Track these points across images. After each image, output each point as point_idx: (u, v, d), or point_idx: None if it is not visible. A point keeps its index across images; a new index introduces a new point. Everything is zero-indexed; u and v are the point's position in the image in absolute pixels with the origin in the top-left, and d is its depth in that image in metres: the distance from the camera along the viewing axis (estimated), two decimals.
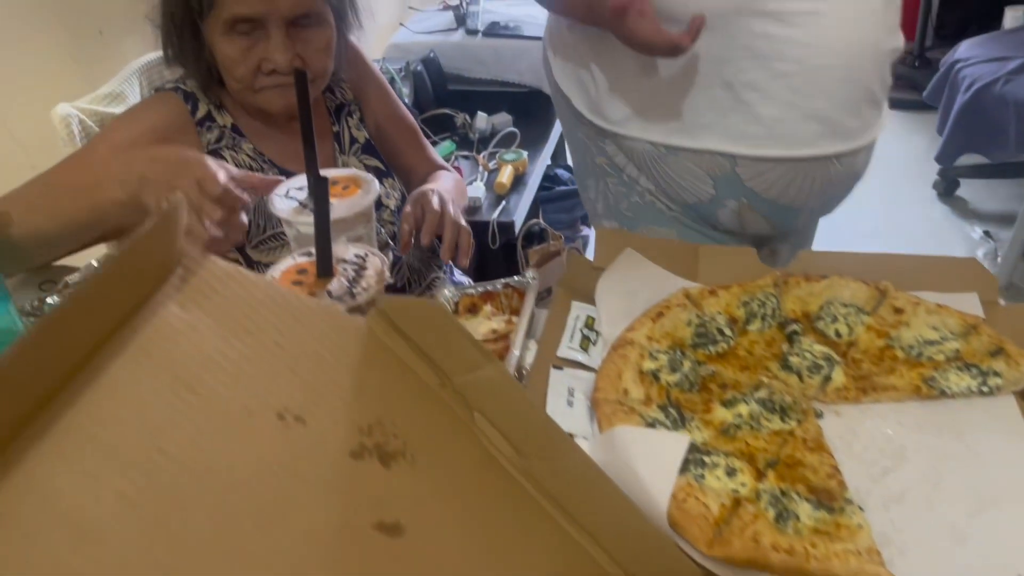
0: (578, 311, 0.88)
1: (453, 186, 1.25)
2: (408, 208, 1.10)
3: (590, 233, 2.63)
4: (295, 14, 1.04)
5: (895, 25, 1.11)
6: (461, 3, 2.41)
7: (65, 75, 1.29)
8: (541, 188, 2.30)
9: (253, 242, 1.12)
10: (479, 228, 1.83)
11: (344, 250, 0.74)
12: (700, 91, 1.08)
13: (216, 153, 1.10)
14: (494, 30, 2.31)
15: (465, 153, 2.11)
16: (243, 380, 0.43)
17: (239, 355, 0.43)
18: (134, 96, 1.21)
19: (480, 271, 1.90)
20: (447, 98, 2.25)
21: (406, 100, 2.07)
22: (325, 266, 0.69)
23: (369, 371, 0.48)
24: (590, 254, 0.92)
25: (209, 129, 1.11)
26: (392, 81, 2.06)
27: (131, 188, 0.84)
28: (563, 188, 2.49)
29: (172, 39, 1.09)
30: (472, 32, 2.32)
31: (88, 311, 0.38)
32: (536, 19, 2.38)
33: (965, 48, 2.82)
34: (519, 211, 1.91)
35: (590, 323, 0.86)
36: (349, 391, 0.47)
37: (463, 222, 1.08)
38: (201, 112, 1.11)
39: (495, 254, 1.90)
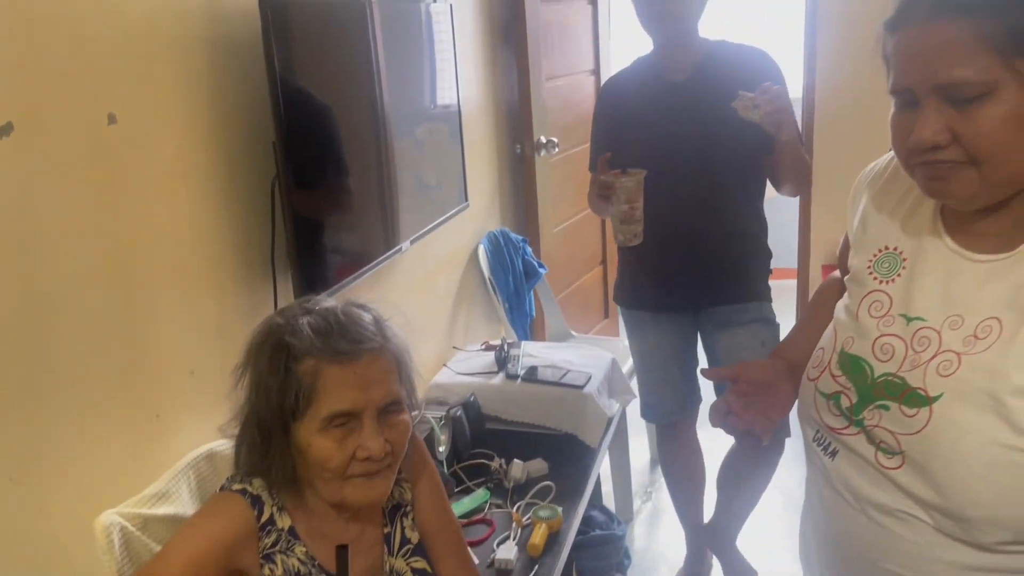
0: None
1: None
2: None
3: None
4: (386, 403, 1.12)
5: None
6: (503, 345, 2.52)
7: (116, 465, 1.33)
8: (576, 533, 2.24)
9: None
10: None
11: None
12: None
13: (269, 558, 1.11)
14: (533, 376, 2.39)
15: (499, 503, 2.09)
16: None
17: None
18: (181, 495, 1.23)
19: None
20: (484, 438, 2.28)
21: (443, 449, 2.10)
22: None
23: None
24: None
25: (268, 533, 1.13)
26: (431, 431, 2.10)
27: None
28: (598, 533, 2.42)
29: (256, 445, 1.13)
30: (512, 377, 2.40)
31: None
32: (573, 364, 2.48)
33: None
34: None
35: None
36: None
37: None
38: (265, 516, 1.13)
39: None
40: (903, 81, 0.91)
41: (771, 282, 2.24)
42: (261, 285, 1.71)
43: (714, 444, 2.41)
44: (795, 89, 3.45)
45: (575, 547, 2.30)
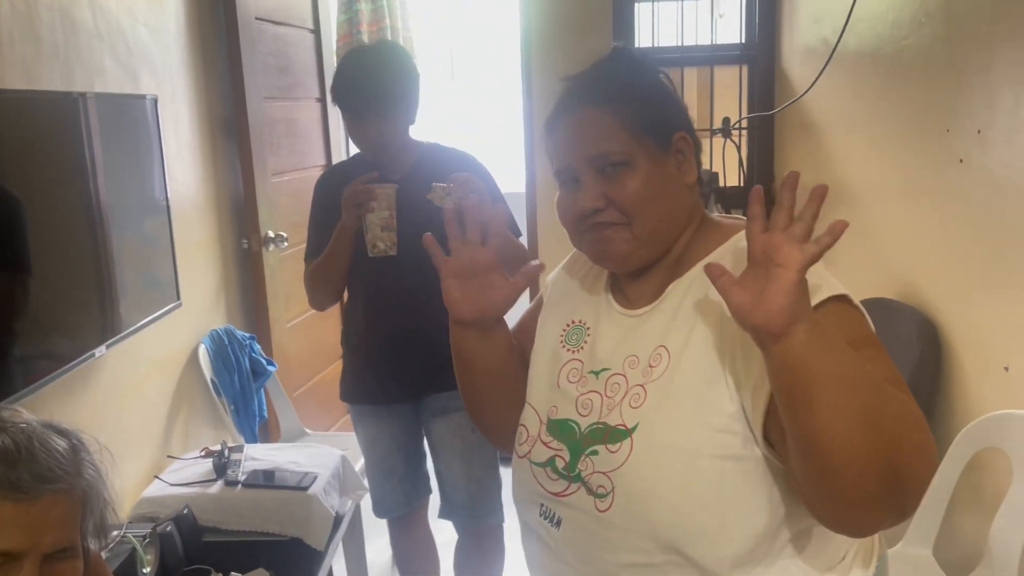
0: None
1: None
2: None
3: None
4: (55, 550, 1.02)
5: None
6: (223, 450, 2.38)
7: None
8: None
9: None
10: None
11: None
12: None
13: None
14: (255, 480, 2.28)
15: None
16: None
17: None
18: None
19: None
20: (201, 552, 2.12)
21: (147, 571, 1.92)
22: None
23: None
24: None
25: None
26: (133, 551, 1.92)
27: None
28: None
29: None
30: (232, 483, 2.27)
31: None
32: (299, 464, 2.39)
33: None
34: None
35: None
36: None
37: None
38: None
39: None
40: (564, 162, 1.10)
41: None
42: None
43: (450, 537, 2.42)
44: (519, 184, 3.71)
45: None
